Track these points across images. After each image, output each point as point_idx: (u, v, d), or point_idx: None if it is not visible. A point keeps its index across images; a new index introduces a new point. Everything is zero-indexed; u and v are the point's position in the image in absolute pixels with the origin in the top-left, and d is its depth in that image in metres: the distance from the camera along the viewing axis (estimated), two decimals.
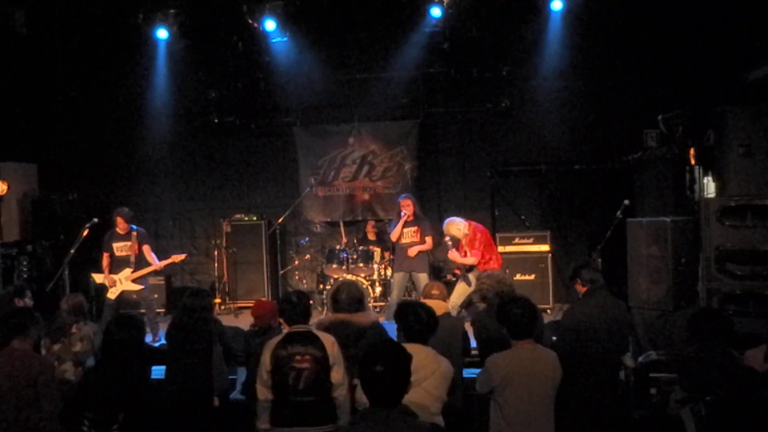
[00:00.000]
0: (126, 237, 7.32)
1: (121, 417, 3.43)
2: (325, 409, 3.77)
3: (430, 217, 9.29)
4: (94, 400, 3.46)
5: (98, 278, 7.41)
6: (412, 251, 7.34)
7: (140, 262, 7.33)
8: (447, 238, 7.03)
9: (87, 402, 3.48)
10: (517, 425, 3.62)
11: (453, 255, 6.95)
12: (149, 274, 7.47)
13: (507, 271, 7.65)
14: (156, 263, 7.37)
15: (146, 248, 7.39)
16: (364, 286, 8.04)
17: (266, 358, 3.84)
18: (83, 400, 3.51)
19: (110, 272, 7.28)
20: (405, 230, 7.46)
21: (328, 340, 3.87)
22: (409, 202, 7.44)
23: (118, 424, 3.42)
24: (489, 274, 4.98)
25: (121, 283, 7.25)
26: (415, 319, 3.75)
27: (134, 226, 7.40)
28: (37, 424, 3.77)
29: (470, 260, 6.89)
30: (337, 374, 3.79)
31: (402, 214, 7.41)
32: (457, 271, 7.13)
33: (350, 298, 4.49)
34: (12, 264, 8.02)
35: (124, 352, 3.56)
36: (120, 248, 7.32)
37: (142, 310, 7.43)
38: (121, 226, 7.30)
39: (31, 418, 3.78)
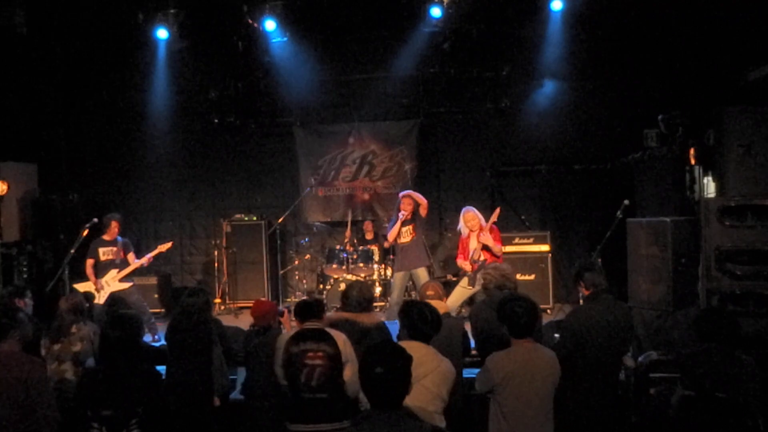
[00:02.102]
0: (112, 243, 7.35)
1: (140, 412, 3.44)
2: (339, 406, 3.77)
3: (429, 217, 9.30)
4: (104, 399, 3.45)
5: (82, 287, 7.24)
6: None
7: (125, 263, 7.36)
8: (460, 226, 6.94)
9: (95, 402, 3.47)
10: (516, 424, 3.62)
11: (486, 238, 6.75)
12: (134, 273, 7.47)
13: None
14: (137, 262, 7.36)
15: (131, 256, 7.42)
16: None
17: (279, 354, 3.88)
18: (90, 401, 3.50)
19: (96, 277, 7.28)
20: (402, 229, 7.43)
21: (340, 338, 3.89)
22: (410, 201, 7.39)
23: (137, 420, 3.42)
24: (495, 266, 4.92)
25: (108, 285, 7.26)
26: (420, 319, 3.75)
27: (119, 237, 7.41)
28: (30, 426, 3.75)
29: (498, 248, 6.79)
30: (349, 371, 3.80)
31: (401, 214, 7.35)
32: (472, 266, 7.01)
33: (360, 298, 4.51)
34: (12, 264, 8.02)
35: (123, 350, 3.56)
36: (105, 252, 7.33)
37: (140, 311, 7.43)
38: (114, 231, 7.31)
39: (23, 420, 3.76)
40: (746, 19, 7.01)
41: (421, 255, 7.48)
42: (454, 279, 7.31)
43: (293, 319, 4.27)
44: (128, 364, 3.56)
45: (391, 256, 8.18)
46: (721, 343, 3.81)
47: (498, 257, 6.81)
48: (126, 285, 7.31)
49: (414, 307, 3.85)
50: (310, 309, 4.14)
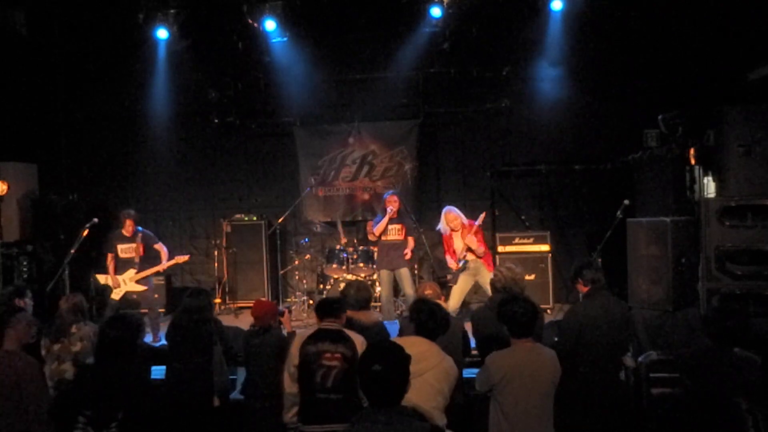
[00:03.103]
0: (131, 239, 7.39)
1: (120, 416, 3.42)
2: (352, 407, 3.77)
3: (429, 217, 9.32)
4: (90, 399, 3.45)
5: (101, 279, 7.46)
6: (408, 255, 7.57)
7: (144, 263, 7.41)
8: (441, 226, 7.12)
9: (82, 400, 3.47)
10: (516, 424, 3.62)
11: (470, 240, 6.88)
12: (153, 274, 7.52)
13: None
14: (166, 258, 7.48)
15: (158, 246, 7.53)
16: None
17: (294, 353, 3.88)
18: (78, 398, 3.50)
19: (114, 273, 7.35)
20: (390, 227, 7.58)
21: (358, 340, 3.90)
22: (395, 198, 7.58)
23: (117, 422, 3.41)
24: (509, 267, 4.90)
25: (125, 284, 7.33)
26: (430, 317, 3.80)
27: (139, 228, 7.49)
28: (23, 426, 3.74)
29: (481, 250, 6.93)
30: None
31: (388, 210, 7.52)
32: (457, 266, 7.09)
33: (358, 297, 4.53)
34: (12, 264, 8.01)
35: (119, 351, 3.55)
36: (124, 250, 7.39)
37: (143, 310, 7.46)
38: (129, 228, 7.37)
39: (19, 419, 3.75)
40: (746, 19, 7.01)
41: (404, 257, 7.61)
42: (449, 281, 7.33)
43: (294, 318, 4.27)
44: (122, 366, 3.54)
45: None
46: (731, 343, 3.79)
47: (481, 257, 6.90)
48: (142, 287, 7.36)
49: (425, 305, 3.90)
50: (329, 308, 4.14)
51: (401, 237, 7.59)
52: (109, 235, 7.52)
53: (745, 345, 3.85)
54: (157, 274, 7.78)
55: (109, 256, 7.40)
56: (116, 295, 7.30)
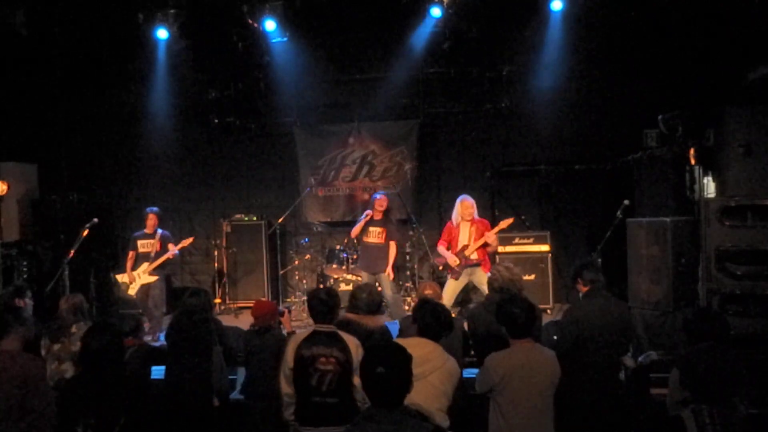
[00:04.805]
0: (151, 236, 7.71)
1: (122, 421, 3.42)
2: (348, 410, 3.76)
3: (429, 217, 9.32)
4: (84, 408, 3.42)
5: (120, 278, 7.73)
6: (390, 262, 7.33)
7: (156, 259, 7.65)
8: (453, 214, 7.00)
9: (75, 410, 3.44)
10: (515, 424, 3.62)
11: (490, 237, 6.75)
12: (167, 265, 7.81)
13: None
14: (165, 255, 7.69)
15: (170, 246, 7.76)
16: None
17: (289, 356, 3.86)
18: (74, 407, 3.47)
19: (132, 269, 7.64)
20: (371, 229, 7.43)
21: (353, 343, 3.87)
22: (380, 201, 7.44)
23: (119, 427, 3.41)
24: (507, 267, 4.86)
25: (139, 278, 7.59)
26: (433, 318, 3.80)
27: (159, 230, 7.78)
28: (30, 425, 3.75)
29: (495, 243, 6.84)
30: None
31: (364, 214, 7.43)
32: (461, 262, 7.00)
33: (370, 301, 4.47)
34: (12, 264, 8.03)
35: (104, 360, 3.52)
36: (144, 245, 7.72)
37: (139, 311, 7.54)
38: (151, 223, 7.70)
39: (23, 418, 3.75)
40: (746, 19, 7.00)
41: (384, 260, 7.39)
42: (445, 272, 7.21)
43: (293, 318, 4.26)
44: (111, 372, 3.52)
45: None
46: (713, 342, 3.82)
47: (488, 262, 6.83)
48: (153, 278, 7.61)
49: (428, 306, 3.88)
50: (324, 313, 4.06)
51: (381, 241, 7.39)
52: (132, 234, 7.89)
53: (727, 344, 3.86)
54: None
55: (130, 253, 7.73)
56: (132, 290, 7.59)
